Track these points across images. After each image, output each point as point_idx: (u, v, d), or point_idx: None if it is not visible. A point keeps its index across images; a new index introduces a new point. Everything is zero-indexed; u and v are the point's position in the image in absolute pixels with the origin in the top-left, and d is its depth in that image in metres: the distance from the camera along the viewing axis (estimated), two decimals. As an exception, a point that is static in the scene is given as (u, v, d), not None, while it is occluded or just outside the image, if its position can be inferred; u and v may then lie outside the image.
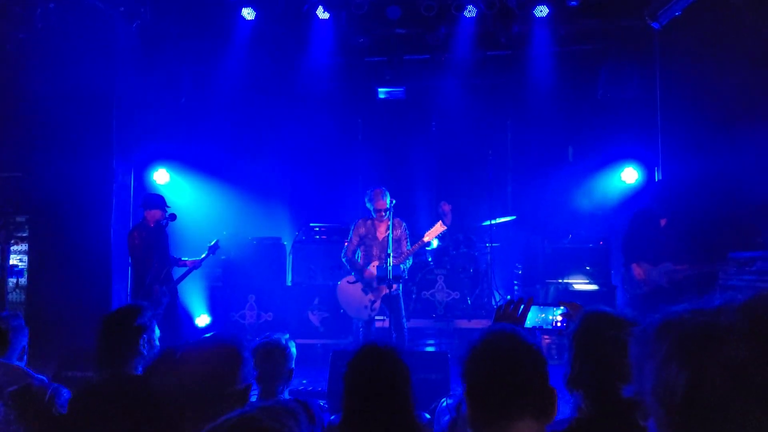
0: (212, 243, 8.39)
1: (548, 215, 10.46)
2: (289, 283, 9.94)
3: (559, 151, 11.06)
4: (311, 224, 10.07)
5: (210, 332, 2.98)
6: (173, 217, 7.98)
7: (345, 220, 10.33)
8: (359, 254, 8.21)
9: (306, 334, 9.34)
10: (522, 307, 2.77)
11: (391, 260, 7.52)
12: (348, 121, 11.94)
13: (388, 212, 7.93)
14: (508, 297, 10.24)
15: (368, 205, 8.08)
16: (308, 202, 11.46)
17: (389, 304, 8.10)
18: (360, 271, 8.11)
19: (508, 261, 10.94)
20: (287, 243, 10.11)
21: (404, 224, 8.19)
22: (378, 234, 8.20)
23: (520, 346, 2.15)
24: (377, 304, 8.05)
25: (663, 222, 7.67)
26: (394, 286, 7.90)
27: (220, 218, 10.50)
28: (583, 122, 10.54)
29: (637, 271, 7.61)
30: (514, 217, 10.71)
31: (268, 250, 9.99)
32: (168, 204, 8.15)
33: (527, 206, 11.11)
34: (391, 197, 8.00)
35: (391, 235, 7.74)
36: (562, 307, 2.81)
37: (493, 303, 9.99)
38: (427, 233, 7.87)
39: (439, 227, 7.86)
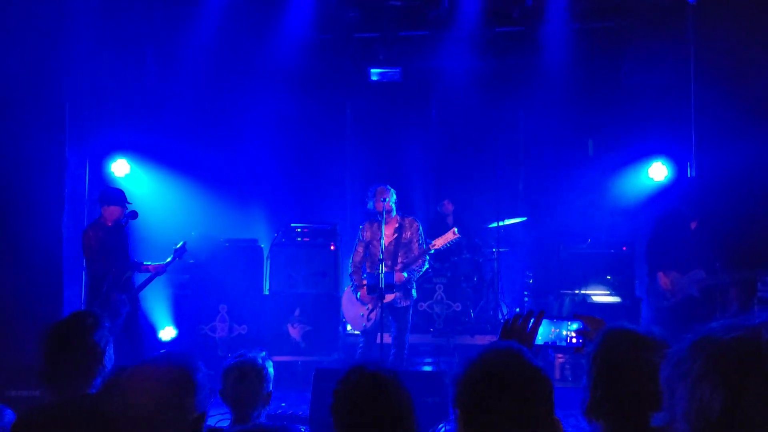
0: (178, 245, 8.39)
1: (564, 216, 10.49)
2: (266, 292, 9.95)
3: (577, 144, 11.11)
4: (292, 224, 10.08)
5: (166, 349, 2.95)
6: (134, 214, 7.95)
7: (330, 219, 10.36)
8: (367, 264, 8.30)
9: (285, 350, 9.35)
10: (532, 321, 2.76)
11: (382, 267, 7.53)
12: (335, 107, 11.96)
13: (391, 213, 8.02)
14: (517, 310, 10.27)
15: (369, 205, 8.16)
16: (289, 199, 11.48)
17: (395, 316, 8.18)
18: (357, 284, 8.22)
19: (518, 268, 10.98)
20: (264, 246, 10.12)
21: (417, 224, 8.24)
22: (384, 238, 8.23)
23: (524, 369, 2.15)
24: (374, 315, 8.10)
25: (693, 225, 7.70)
26: (394, 294, 7.97)
27: (188, 217, 10.50)
28: (606, 111, 10.58)
29: (664, 280, 7.62)
30: (525, 219, 10.75)
31: (243, 253, 10.00)
32: (128, 199, 8.13)
33: (540, 206, 11.15)
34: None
35: (399, 238, 7.80)
36: (577, 322, 2.81)
37: (500, 317, 10.02)
38: (435, 240, 7.90)
39: (450, 236, 7.90)
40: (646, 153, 10.18)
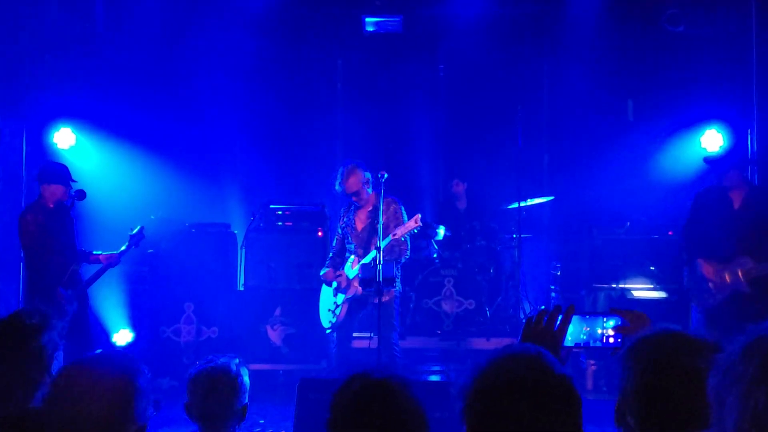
0: (135, 231, 8.37)
1: (599, 195, 10.49)
2: (240, 287, 9.96)
3: (614, 108, 11.09)
4: (271, 206, 10.08)
5: (104, 350, 2.96)
6: (81, 194, 7.95)
7: (318, 199, 10.37)
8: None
9: (264, 356, 9.36)
10: (560, 318, 2.75)
11: (380, 256, 7.56)
12: (323, 64, 11.91)
13: (361, 194, 8.14)
14: (542, 307, 10.29)
15: (337, 188, 8.25)
16: (267, 175, 11.48)
17: (379, 313, 8.19)
18: (328, 266, 8.37)
19: (543, 258, 11.00)
20: (238, 232, 10.14)
21: (396, 205, 8.31)
22: (357, 223, 8.36)
23: (546, 377, 2.10)
24: (341, 312, 8.22)
25: (737, 202, 7.72)
26: (389, 293, 8.04)
27: (146, 197, 10.50)
28: (649, 67, 10.53)
29: (706, 268, 7.65)
30: (551, 198, 10.77)
31: (213, 241, 10.00)
32: (74, 177, 8.09)
33: (569, 183, 11.16)
34: (381, 171, 8.03)
35: (381, 222, 7.82)
36: (615, 318, 2.81)
37: (522, 316, 10.02)
38: (397, 229, 7.96)
39: (411, 224, 7.98)
40: (697, 118, 10.16)
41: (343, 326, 8.29)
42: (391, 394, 2.66)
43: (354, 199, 8.28)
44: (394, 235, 7.94)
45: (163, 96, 11.07)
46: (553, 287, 10.72)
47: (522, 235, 10.15)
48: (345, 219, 8.45)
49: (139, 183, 10.71)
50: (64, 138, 10.42)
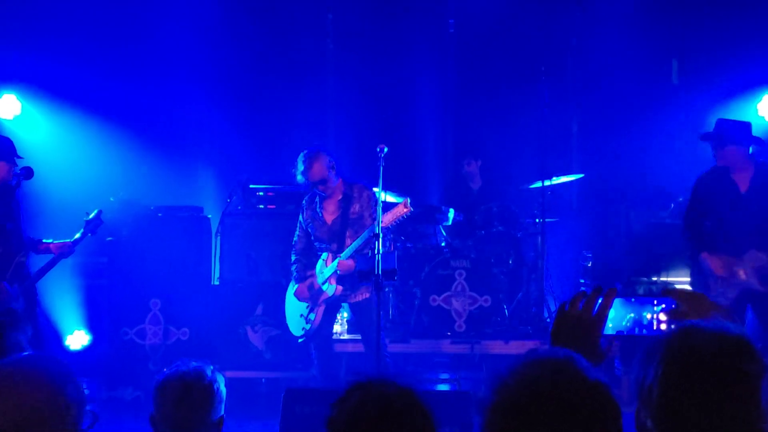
0: (91, 216, 8.34)
1: (637, 172, 10.50)
2: (215, 281, 9.97)
3: (655, 69, 11.08)
4: (251, 186, 10.12)
5: (36, 354, 2.98)
6: (28, 172, 7.95)
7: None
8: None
9: (243, 362, 9.39)
10: (600, 301, 2.72)
11: (379, 244, 7.53)
12: (310, 19, 11.89)
13: (327, 182, 8.19)
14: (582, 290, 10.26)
15: (299, 178, 8.28)
16: (246, 151, 11.51)
17: (357, 316, 8.36)
18: (298, 279, 8.43)
19: (571, 246, 11.02)
20: (213, 216, 10.14)
21: (368, 191, 8.35)
22: (326, 216, 8.37)
23: (577, 386, 2.10)
24: (316, 316, 8.27)
25: (743, 186, 7.74)
26: (338, 288, 8.11)
27: (105, 176, 10.50)
28: (697, 22, 10.54)
29: (714, 263, 7.69)
30: (581, 176, 10.73)
31: (183, 227, 9.98)
32: (19, 152, 8.09)
33: (602, 157, 11.19)
34: (380, 144, 7.92)
35: (345, 213, 8.01)
36: (668, 302, 2.84)
37: (546, 314, 10.09)
38: (384, 215, 7.94)
39: (400, 209, 7.92)
40: (754, 82, 10.18)
41: (319, 333, 8.32)
42: (397, 408, 2.69)
43: (320, 188, 8.29)
44: (379, 224, 7.93)
45: (123, 57, 11.08)
46: (583, 281, 10.73)
47: (546, 220, 10.14)
48: (309, 213, 8.48)
49: (97, 159, 10.70)
50: (6, 106, 10.45)
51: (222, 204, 10.21)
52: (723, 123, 8.02)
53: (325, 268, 8.19)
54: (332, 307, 8.37)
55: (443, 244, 10.39)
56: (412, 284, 10.00)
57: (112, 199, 9.89)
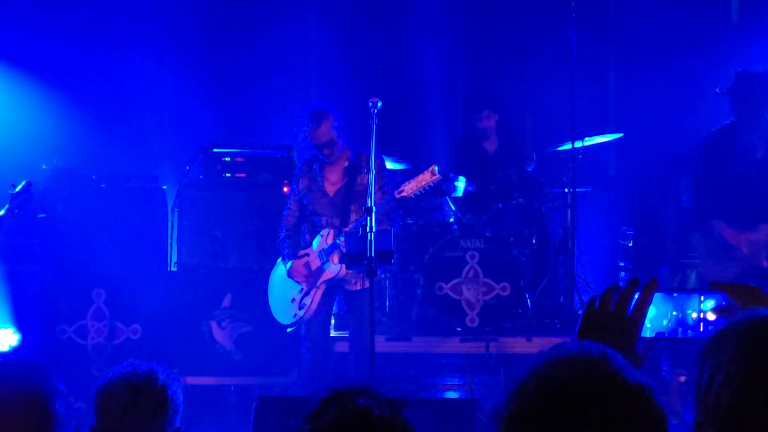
0: (18, 188, 8.36)
1: (687, 130, 10.42)
2: (173, 267, 10.01)
3: (711, 3, 11.09)
4: (216, 150, 10.09)
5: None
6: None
7: (282, 141, 10.39)
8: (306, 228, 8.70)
9: (208, 365, 9.44)
10: (636, 296, 2.72)
11: (372, 221, 7.57)
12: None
13: (334, 146, 8.35)
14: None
15: (303, 138, 8.44)
16: (209, 108, 11.56)
17: (350, 305, 8.55)
18: (291, 255, 8.56)
19: (608, 221, 11.10)
20: (169, 187, 10.18)
21: (379, 161, 8.40)
22: (327, 186, 8.51)
23: (615, 390, 2.06)
24: (312, 300, 8.39)
25: (761, 149, 7.99)
26: (341, 267, 8.23)
27: (35, 140, 10.54)
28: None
29: (728, 232, 8.03)
30: (619, 136, 10.75)
31: (131, 201, 10.00)
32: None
33: (646, 113, 11.21)
34: (372, 98, 8.02)
35: (351, 185, 8.22)
36: (716, 296, 2.80)
37: (577, 305, 10.09)
38: (404, 185, 8.02)
39: (427, 177, 8.06)
40: None
41: (315, 321, 8.42)
42: (377, 426, 2.66)
43: (325, 152, 8.41)
44: (400, 192, 8.00)
45: (56, 8, 11.14)
46: (622, 263, 10.78)
47: (577, 189, 10.16)
48: (306, 181, 8.59)
49: (25, 120, 10.73)
50: None
51: (180, 172, 10.20)
52: (745, 75, 8.28)
53: (326, 245, 8.29)
54: (330, 293, 8.50)
55: (451, 219, 10.40)
56: (413, 269, 10.05)
57: (44, 167, 9.91)
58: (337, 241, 8.23)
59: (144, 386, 3.93)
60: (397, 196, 8.13)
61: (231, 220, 9.89)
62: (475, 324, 9.77)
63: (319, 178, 8.51)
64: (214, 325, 9.57)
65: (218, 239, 9.86)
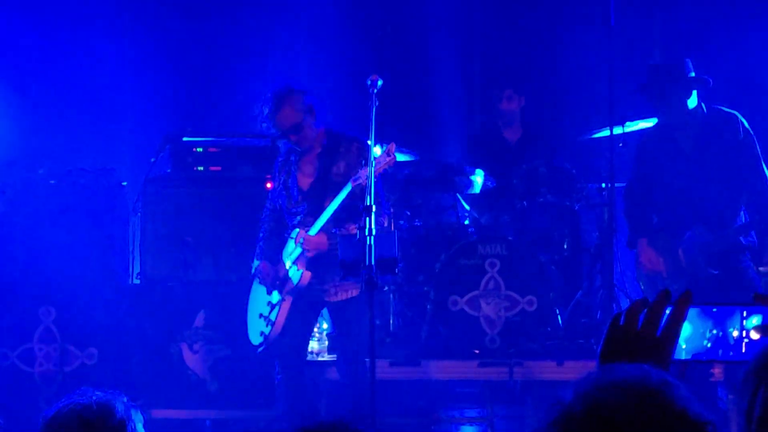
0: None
1: (749, 111, 10.21)
2: (135, 280, 10.05)
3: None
4: (186, 138, 10.13)
5: None
6: None
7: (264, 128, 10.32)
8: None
9: (178, 396, 9.48)
10: (667, 313, 2.70)
11: (371, 222, 7.63)
12: None
13: (301, 130, 8.42)
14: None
15: (264, 125, 8.62)
16: (177, 91, 11.72)
17: (335, 317, 8.67)
18: (261, 255, 8.73)
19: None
20: (129, 183, 10.25)
21: (358, 144, 8.57)
22: (302, 179, 8.60)
23: (675, 425, 2.09)
24: (278, 315, 8.42)
25: (686, 144, 8.36)
26: (309, 275, 8.25)
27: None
28: None
29: (647, 255, 8.75)
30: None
31: (86, 200, 10.03)
32: None
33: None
34: (372, 75, 8.08)
35: (326, 174, 8.28)
36: (761, 313, 2.78)
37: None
38: (361, 171, 8.06)
39: (382, 160, 8.08)
40: None
41: (284, 340, 8.46)
42: None
43: (293, 140, 8.52)
44: (355, 180, 8.03)
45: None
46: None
47: (616, 185, 10.05)
48: (282, 178, 8.69)
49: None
50: None
51: (144, 166, 10.21)
52: (655, 69, 9.00)
53: (295, 249, 8.34)
54: (304, 307, 8.50)
55: (467, 221, 10.49)
56: (422, 280, 10.06)
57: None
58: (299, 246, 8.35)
59: (98, 421, 3.94)
60: (352, 185, 8.11)
61: (204, 223, 9.91)
62: (496, 345, 9.76)
63: (294, 171, 8.61)
64: (185, 347, 9.59)
65: (189, 245, 9.85)
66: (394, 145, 8.14)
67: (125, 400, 4.08)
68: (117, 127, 11.44)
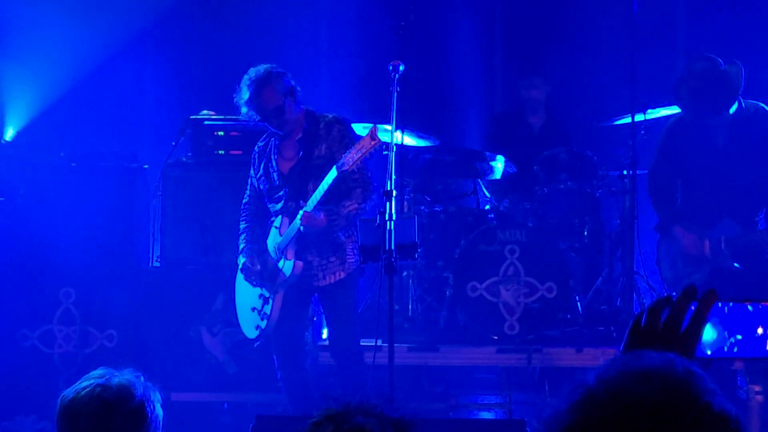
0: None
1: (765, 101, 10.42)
2: (155, 263, 10.04)
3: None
4: (207, 122, 10.09)
5: None
6: None
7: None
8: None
9: (197, 379, 9.47)
10: (691, 311, 2.68)
11: (391, 206, 7.58)
12: None
13: (283, 113, 8.35)
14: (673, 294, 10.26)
15: (244, 110, 8.50)
16: (200, 72, 11.69)
17: (326, 305, 8.61)
18: (245, 250, 8.66)
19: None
20: (151, 167, 10.20)
21: (340, 125, 8.55)
22: (282, 164, 8.58)
23: (698, 417, 2.08)
24: (272, 309, 8.38)
25: (720, 135, 8.36)
26: (299, 264, 8.23)
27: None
28: None
29: (688, 239, 8.63)
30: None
31: (107, 184, 10.01)
32: None
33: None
34: (393, 60, 8.15)
35: (308, 157, 8.26)
36: None
37: (637, 308, 9.98)
38: (347, 156, 8.02)
39: (366, 143, 8.02)
40: None
41: (281, 333, 8.44)
42: None
43: (275, 123, 8.46)
44: (341, 167, 8.00)
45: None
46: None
47: (638, 172, 10.07)
48: (263, 162, 8.64)
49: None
50: None
51: (165, 149, 10.16)
52: (721, 74, 8.73)
53: (279, 238, 8.29)
54: (298, 296, 8.47)
55: (487, 207, 10.48)
56: (441, 266, 10.04)
57: (1, 142, 9.99)
58: (292, 229, 8.25)
59: (117, 403, 3.92)
60: (338, 171, 8.06)
61: (224, 206, 9.83)
62: (515, 331, 9.77)
63: (274, 157, 8.56)
64: (204, 331, 9.58)
65: (209, 229, 9.85)
66: (376, 128, 8.09)
67: (144, 380, 4.07)
68: (138, 110, 11.40)
